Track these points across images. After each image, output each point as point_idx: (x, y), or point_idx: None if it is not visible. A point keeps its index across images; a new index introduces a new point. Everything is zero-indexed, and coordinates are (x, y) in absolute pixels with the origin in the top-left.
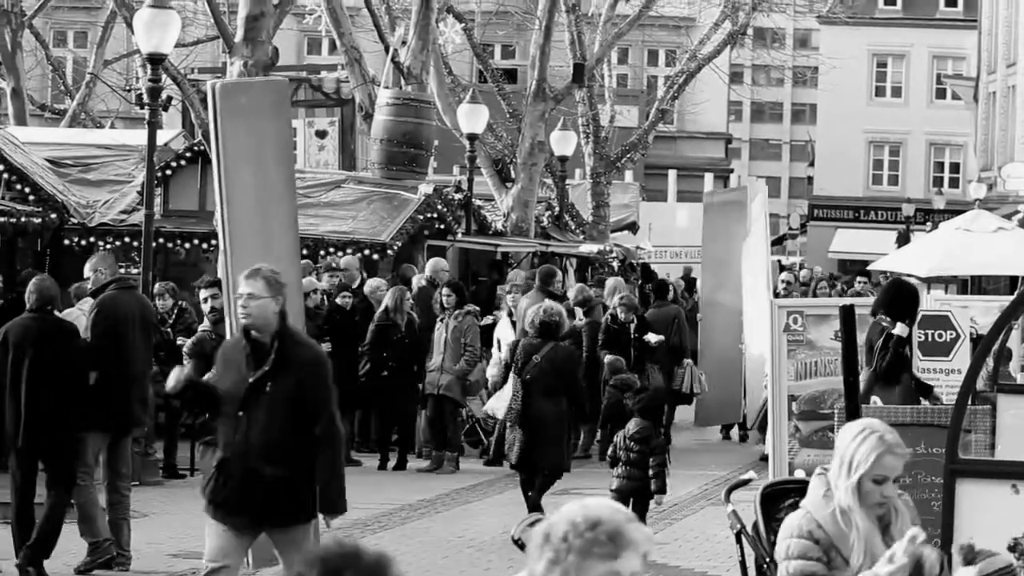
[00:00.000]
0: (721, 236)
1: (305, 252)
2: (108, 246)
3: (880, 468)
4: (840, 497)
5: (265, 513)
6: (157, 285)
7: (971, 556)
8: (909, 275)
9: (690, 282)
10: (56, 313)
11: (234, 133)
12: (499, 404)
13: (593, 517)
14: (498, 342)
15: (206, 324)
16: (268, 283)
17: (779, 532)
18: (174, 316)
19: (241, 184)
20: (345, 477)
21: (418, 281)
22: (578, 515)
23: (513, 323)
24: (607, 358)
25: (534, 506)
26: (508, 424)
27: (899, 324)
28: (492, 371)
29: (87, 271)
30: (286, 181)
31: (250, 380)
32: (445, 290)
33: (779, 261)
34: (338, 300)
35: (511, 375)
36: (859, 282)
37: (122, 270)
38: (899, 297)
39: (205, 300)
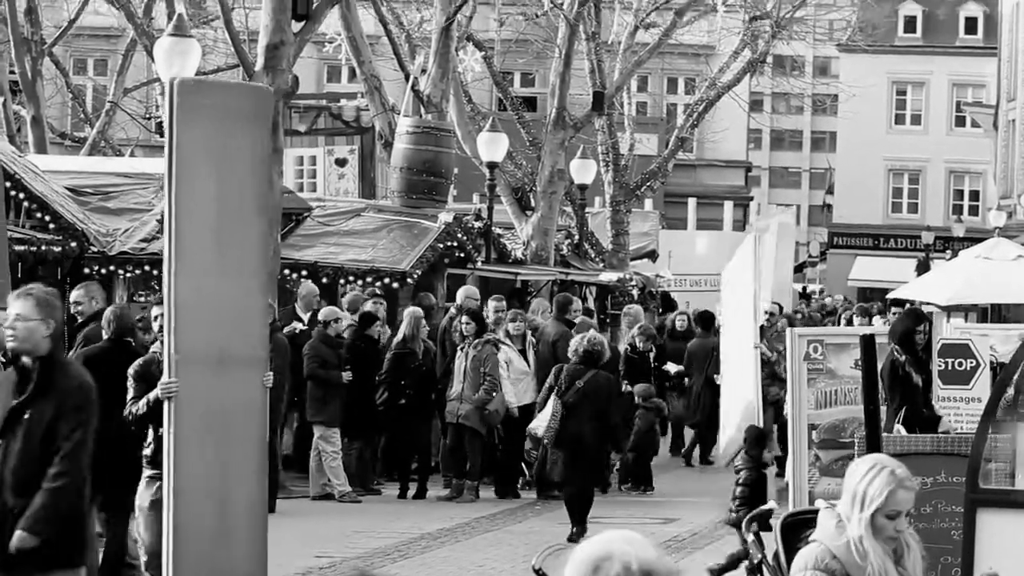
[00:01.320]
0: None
1: (325, 281)
2: (128, 275)
3: (893, 503)
4: (853, 530)
5: (13, 558)
6: None
7: None
8: (928, 303)
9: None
10: (132, 342)
11: (192, 136)
12: (539, 424)
13: (647, 566)
14: (507, 365)
15: (156, 345)
16: (39, 304)
17: (793, 565)
18: None
19: (197, 193)
20: (70, 524)
21: (452, 307)
22: (632, 559)
23: (521, 350)
24: (638, 387)
25: (580, 531)
26: (547, 443)
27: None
28: (510, 397)
29: (78, 297)
30: (257, 197)
31: (11, 406)
32: (464, 318)
33: (803, 288)
34: (371, 331)
35: (552, 397)
36: (893, 313)
37: (142, 298)
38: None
39: (156, 318)
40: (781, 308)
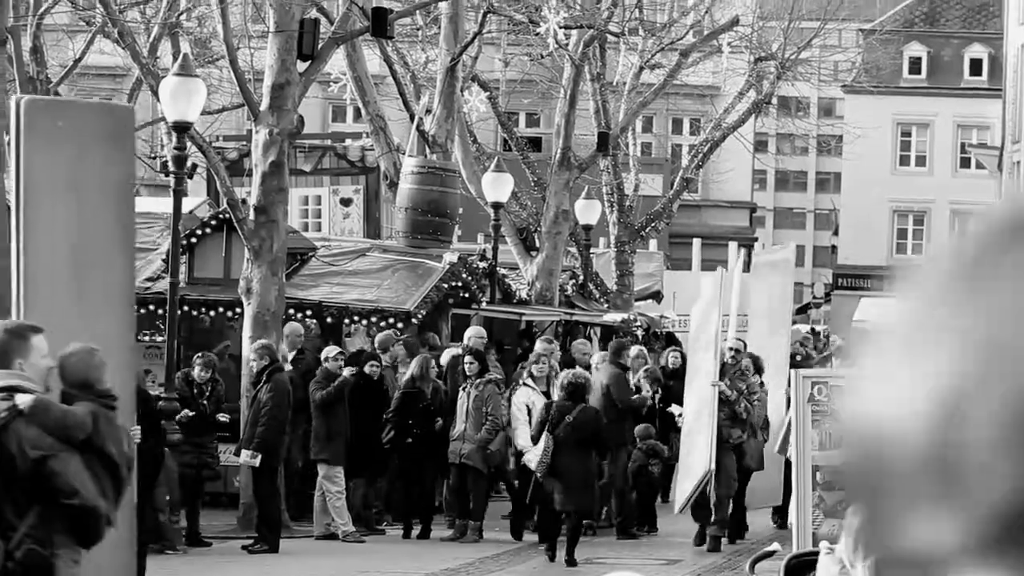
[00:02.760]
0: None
1: (329, 320)
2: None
3: None
4: None
5: None
6: (197, 357)
7: None
8: None
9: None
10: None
11: (42, 160)
12: (532, 457)
13: None
14: (528, 408)
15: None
16: None
17: None
18: (209, 388)
19: (47, 222)
20: None
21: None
22: None
23: (545, 392)
24: (638, 428)
25: (569, 560)
26: (538, 476)
27: None
28: (522, 440)
29: None
30: (118, 222)
31: None
32: (467, 358)
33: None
34: (366, 369)
35: (544, 432)
36: None
37: (147, 337)
38: None
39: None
40: (745, 345)
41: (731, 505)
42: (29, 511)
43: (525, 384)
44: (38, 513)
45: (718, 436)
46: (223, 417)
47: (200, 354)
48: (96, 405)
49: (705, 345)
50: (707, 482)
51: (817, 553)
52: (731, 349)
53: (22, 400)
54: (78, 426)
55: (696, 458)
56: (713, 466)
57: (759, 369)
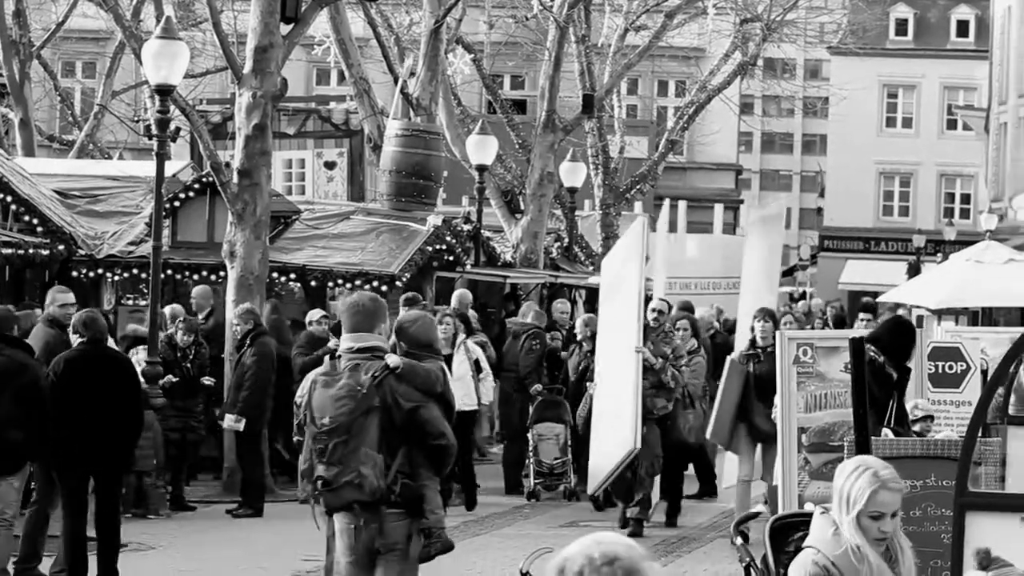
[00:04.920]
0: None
1: (313, 284)
2: (116, 278)
3: (875, 504)
4: (847, 535)
5: None
6: (179, 321)
7: (986, 562)
8: (919, 306)
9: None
10: (110, 345)
11: None
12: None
13: (610, 553)
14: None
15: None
16: None
17: (788, 570)
18: (193, 352)
19: None
20: None
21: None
22: (595, 551)
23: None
24: None
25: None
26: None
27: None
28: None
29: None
30: None
31: None
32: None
33: (790, 293)
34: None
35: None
36: (861, 319)
37: (130, 301)
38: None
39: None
40: (670, 306)
41: (655, 484)
42: (399, 451)
43: (471, 345)
44: (404, 452)
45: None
46: (207, 380)
47: (182, 318)
48: (441, 362)
49: (624, 303)
50: (631, 461)
51: (802, 515)
52: (654, 310)
53: (392, 360)
54: (436, 381)
55: (613, 435)
56: (639, 444)
57: (696, 332)
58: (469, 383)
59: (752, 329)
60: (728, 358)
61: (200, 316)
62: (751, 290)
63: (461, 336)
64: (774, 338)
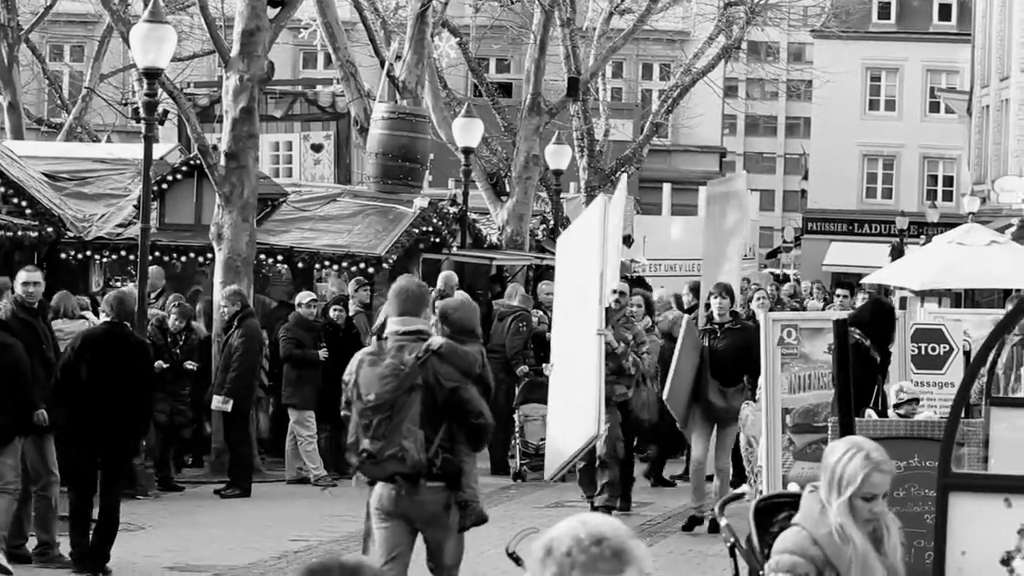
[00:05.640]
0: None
1: (301, 266)
2: (104, 260)
3: (869, 486)
4: (834, 516)
5: None
6: (173, 305)
7: None
8: (902, 288)
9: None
10: (129, 326)
11: None
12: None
13: (597, 533)
14: None
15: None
16: None
17: (773, 547)
18: (183, 337)
19: None
20: None
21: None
22: (581, 531)
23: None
24: None
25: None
26: None
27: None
28: None
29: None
30: None
31: None
32: (439, 302)
33: (773, 273)
34: (330, 314)
35: None
36: (839, 295)
37: (119, 283)
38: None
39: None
40: (631, 287)
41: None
42: (440, 428)
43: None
44: (445, 429)
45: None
46: (190, 365)
47: (176, 304)
48: (479, 346)
49: (578, 285)
50: (591, 447)
51: (786, 495)
52: (615, 291)
53: (435, 342)
54: (475, 363)
55: (573, 421)
56: (603, 429)
57: (650, 310)
58: None
59: (707, 306)
60: (684, 318)
61: (152, 296)
62: (710, 265)
63: (434, 318)
64: (731, 315)
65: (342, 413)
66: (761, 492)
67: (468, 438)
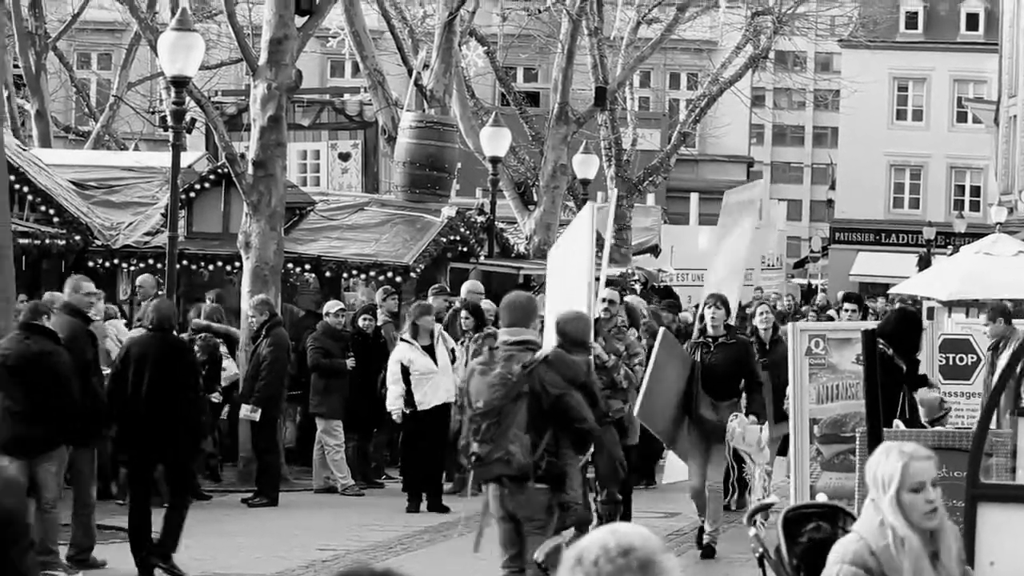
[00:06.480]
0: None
1: (328, 275)
2: (132, 268)
3: (910, 476)
4: (888, 518)
5: None
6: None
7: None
8: (930, 298)
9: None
10: (174, 332)
11: None
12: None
13: (625, 544)
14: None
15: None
16: None
17: (830, 556)
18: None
19: None
20: None
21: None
22: (610, 541)
23: (428, 346)
24: None
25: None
26: None
27: None
28: (418, 396)
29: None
30: None
31: None
32: (464, 312)
33: (809, 283)
34: (359, 323)
35: None
36: (847, 310)
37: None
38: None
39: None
40: (622, 296)
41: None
42: (546, 433)
43: (406, 341)
44: (551, 434)
45: None
46: (215, 398)
47: (202, 339)
48: (588, 357)
49: (572, 294)
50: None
51: (815, 506)
52: (604, 300)
53: (544, 351)
54: (581, 372)
55: None
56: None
57: (635, 322)
58: (451, 375)
59: (701, 318)
60: (661, 329)
61: (141, 304)
62: (716, 275)
63: (438, 328)
64: (725, 327)
65: (455, 417)
66: (760, 499)
67: (573, 443)
